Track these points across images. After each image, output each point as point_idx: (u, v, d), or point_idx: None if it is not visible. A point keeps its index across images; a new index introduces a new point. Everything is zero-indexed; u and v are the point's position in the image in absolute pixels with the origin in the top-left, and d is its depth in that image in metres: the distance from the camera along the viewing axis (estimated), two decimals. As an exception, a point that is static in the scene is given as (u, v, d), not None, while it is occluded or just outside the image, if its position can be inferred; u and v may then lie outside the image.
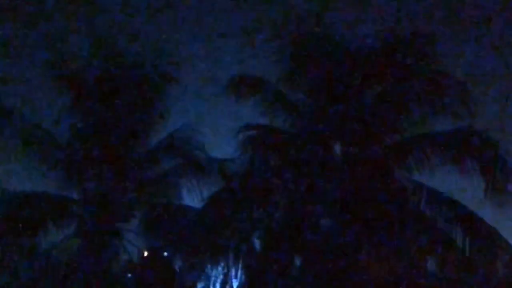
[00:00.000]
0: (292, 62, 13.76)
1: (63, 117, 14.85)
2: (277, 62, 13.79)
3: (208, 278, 14.01)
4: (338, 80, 13.32)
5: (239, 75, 14.04)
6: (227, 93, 13.78)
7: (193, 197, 14.63)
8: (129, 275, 14.46)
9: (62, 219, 14.39)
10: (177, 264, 14.35)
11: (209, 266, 13.85)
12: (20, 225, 14.05)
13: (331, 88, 13.35)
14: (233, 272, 13.81)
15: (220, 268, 13.87)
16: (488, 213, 12.41)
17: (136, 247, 14.64)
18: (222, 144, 16.27)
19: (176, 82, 15.12)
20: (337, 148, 13.28)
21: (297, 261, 13.22)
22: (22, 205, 14.18)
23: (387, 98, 13.30)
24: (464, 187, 12.84)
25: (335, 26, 13.67)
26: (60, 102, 15.02)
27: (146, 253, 14.53)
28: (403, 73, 13.13)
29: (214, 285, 14.10)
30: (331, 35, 13.62)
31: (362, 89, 13.42)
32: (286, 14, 14.01)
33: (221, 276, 13.96)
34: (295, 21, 13.74)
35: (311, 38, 13.72)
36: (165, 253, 14.53)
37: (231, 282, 13.87)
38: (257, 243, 13.64)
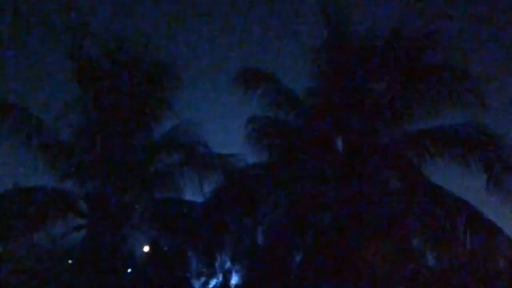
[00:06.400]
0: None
1: (65, 112, 14.83)
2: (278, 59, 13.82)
3: (210, 272, 14.05)
4: (345, 74, 13.35)
5: (246, 68, 14.08)
6: (234, 86, 13.84)
7: (195, 192, 14.63)
8: (130, 270, 14.47)
9: (64, 214, 14.38)
10: (180, 259, 14.34)
11: (211, 260, 13.88)
12: (23, 219, 14.04)
13: (338, 82, 13.38)
14: (235, 266, 13.86)
15: (222, 263, 13.92)
16: (490, 209, 12.40)
17: (137, 242, 14.65)
18: (223, 139, 16.31)
19: (178, 79, 15.12)
20: (339, 142, 13.34)
21: (300, 255, 13.26)
22: (24, 199, 14.18)
23: (394, 92, 13.29)
24: (466, 182, 12.82)
25: (343, 18, 13.69)
26: (63, 96, 15.04)
27: (147, 248, 14.55)
28: (411, 68, 13.11)
29: (216, 279, 14.14)
30: (339, 28, 13.63)
31: (368, 83, 13.44)
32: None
33: (224, 270, 14.00)
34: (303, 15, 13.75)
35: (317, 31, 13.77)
36: (167, 248, 14.56)
37: (234, 276, 13.92)
38: (260, 238, 13.69)
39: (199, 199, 14.36)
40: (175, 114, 15.16)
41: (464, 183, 13.00)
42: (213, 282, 14.06)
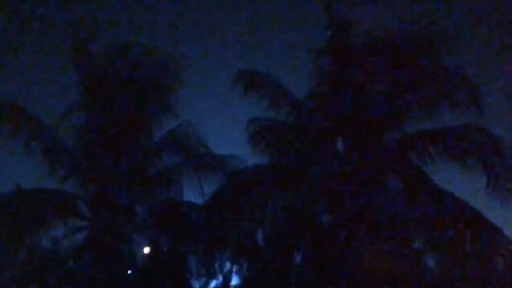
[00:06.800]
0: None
1: (66, 113, 14.86)
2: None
3: (210, 273, 14.06)
4: (345, 74, 13.36)
5: (246, 68, 14.10)
6: (233, 87, 13.85)
7: (195, 193, 14.63)
8: (130, 271, 14.47)
9: (64, 216, 14.39)
10: (180, 260, 14.36)
11: (212, 261, 13.89)
12: (23, 220, 14.05)
13: (338, 82, 13.39)
14: (235, 268, 13.88)
15: (223, 264, 13.94)
16: (490, 210, 12.40)
17: (138, 243, 14.66)
18: (224, 140, 16.32)
19: (178, 79, 15.13)
20: (339, 142, 13.36)
21: (300, 256, 13.27)
22: (25, 201, 14.20)
23: (394, 93, 13.30)
24: (466, 183, 12.83)
25: (346, 19, 13.69)
26: (64, 98, 15.07)
27: (148, 249, 14.56)
28: (412, 69, 13.11)
29: (216, 280, 14.15)
30: (342, 29, 13.63)
31: (366, 85, 13.45)
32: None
33: (224, 272, 14.01)
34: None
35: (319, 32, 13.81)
36: (167, 249, 14.57)
37: (234, 277, 13.94)
38: (260, 239, 13.71)
39: (199, 200, 14.41)
40: (175, 115, 15.19)
41: (464, 183, 13.01)
42: (213, 283, 14.07)
